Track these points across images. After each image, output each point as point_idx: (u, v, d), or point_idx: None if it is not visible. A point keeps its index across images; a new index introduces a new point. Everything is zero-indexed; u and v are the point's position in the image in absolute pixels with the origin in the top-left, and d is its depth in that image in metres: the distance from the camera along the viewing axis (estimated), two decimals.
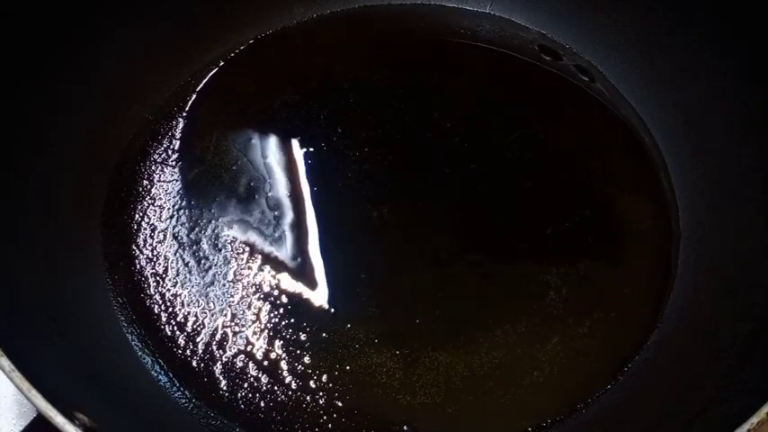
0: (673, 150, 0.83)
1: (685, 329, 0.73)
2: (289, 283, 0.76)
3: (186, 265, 0.77)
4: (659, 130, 0.85)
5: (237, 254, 0.78)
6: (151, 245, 0.79)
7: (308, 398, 0.70)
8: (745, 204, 0.76)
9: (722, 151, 0.79)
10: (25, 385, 0.54)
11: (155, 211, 0.81)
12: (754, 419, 0.53)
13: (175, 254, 0.78)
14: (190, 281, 0.77)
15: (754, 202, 0.75)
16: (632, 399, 0.70)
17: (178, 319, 0.75)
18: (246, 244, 0.78)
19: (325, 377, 0.71)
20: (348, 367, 0.72)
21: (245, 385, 0.71)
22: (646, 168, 0.83)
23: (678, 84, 0.84)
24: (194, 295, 0.76)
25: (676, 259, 0.77)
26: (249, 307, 0.75)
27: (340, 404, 0.70)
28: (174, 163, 0.84)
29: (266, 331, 0.74)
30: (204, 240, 0.79)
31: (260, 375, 0.72)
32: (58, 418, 0.53)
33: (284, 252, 0.78)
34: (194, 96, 0.89)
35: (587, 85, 0.89)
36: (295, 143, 0.85)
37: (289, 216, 0.80)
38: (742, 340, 0.67)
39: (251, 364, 0.72)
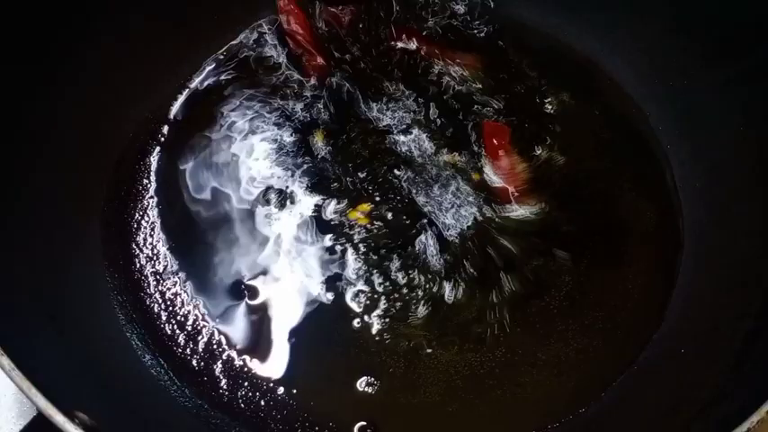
0: (673, 151, 0.84)
1: (685, 329, 0.73)
2: (289, 280, 0.76)
3: (186, 263, 0.78)
4: (660, 129, 0.85)
5: (237, 252, 0.78)
6: (151, 243, 0.79)
7: (308, 397, 0.71)
8: (744, 204, 0.76)
9: (722, 151, 0.80)
10: (25, 384, 0.54)
11: (154, 210, 0.81)
12: (755, 418, 0.54)
13: (175, 252, 0.78)
14: (190, 279, 0.77)
15: (754, 202, 0.75)
16: (632, 398, 0.70)
17: (178, 318, 0.75)
18: (247, 242, 0.78)
19: (325, 377, 0.71)
20: (349, 367, 0.72)
21: (246, 384, 0.71)
22: (647, 168, 0.83)
23: (678, 83, 0.84)
24: (194, 294, 0.76)
25: (677, 258, 0.77)
26: (250, 305, 0.75)
27: (341, 404, 0.70)
28: (173, 162, 0.84)
29: (267, 330, 0.74)
30: (204, 239, 0.79)
31: (260, 374, 0.72)
32: (58, 417, 0.53)
33: (283, 250, 0.78)
34: (194, 96, 0.88)
35: (589, 81, 0.89)
36: (295, 142, 0.85)
37: (289, 214, 0.80)
38: (741, 339, 0.67)
39: (251, 364, 0.72)
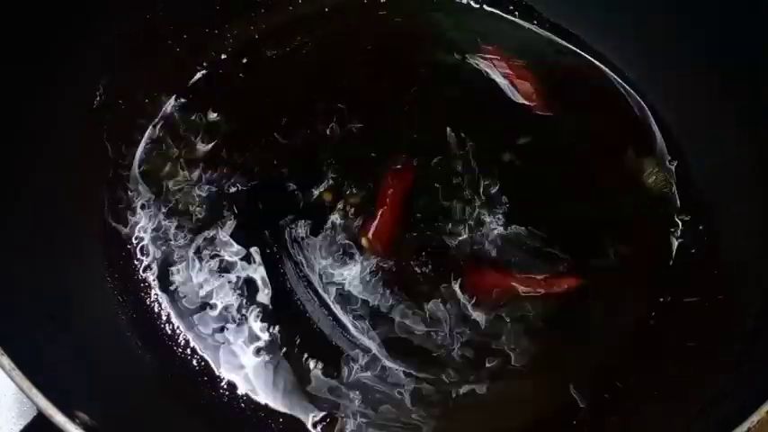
0: (673, 151, 0.84)
1: (685, 329, 0.73)
2: (289, 277, 0.76)
3: (186, 263, 0.77)
4: (659, 129, 0.85)
5: (237, 250, 0.78)
6: (152, 243, 0.79)
7: (309, 397, 0.71)
8: (744, 204, 0.76)
9: (722, 150, 0.80)
10: (26, 384, 0.54)
11: (155, 210, 0.81)
12: (755, 418, 0.54)
13: (175, 252, 0.78)
14: (190, 279, 0.77)
15: (754, 202, 0.75)
16: (632, 398, 0.70)
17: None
18: (247, 240, 0.78)
19: (326, 376, 0.71)
20: (351, 366, 0.72)
21: (246, 384, 0.71)
22: (646, 169, 0.83)
23: (678, 83, 0.84)
24: (195, 294, 0.76)
25: (676, 258, 0.77)
26: (250, 305, 0.75)
27: (343, 403, 0.70)
28: (173, 163, 0.84)
29: (267, 329, 0.74)
30: (205, 238, 0.79)
31: (260, 374, 0.72)
32: (59, 417, 0.53)
33: (282, 249, 0.78)
34: (193, 97, 0.88)
35: (586, 81, 0.89)
36: (296, 142, 0.84)
37: (289, 214, 0.79)
38: (741, 339, 0.67)
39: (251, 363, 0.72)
